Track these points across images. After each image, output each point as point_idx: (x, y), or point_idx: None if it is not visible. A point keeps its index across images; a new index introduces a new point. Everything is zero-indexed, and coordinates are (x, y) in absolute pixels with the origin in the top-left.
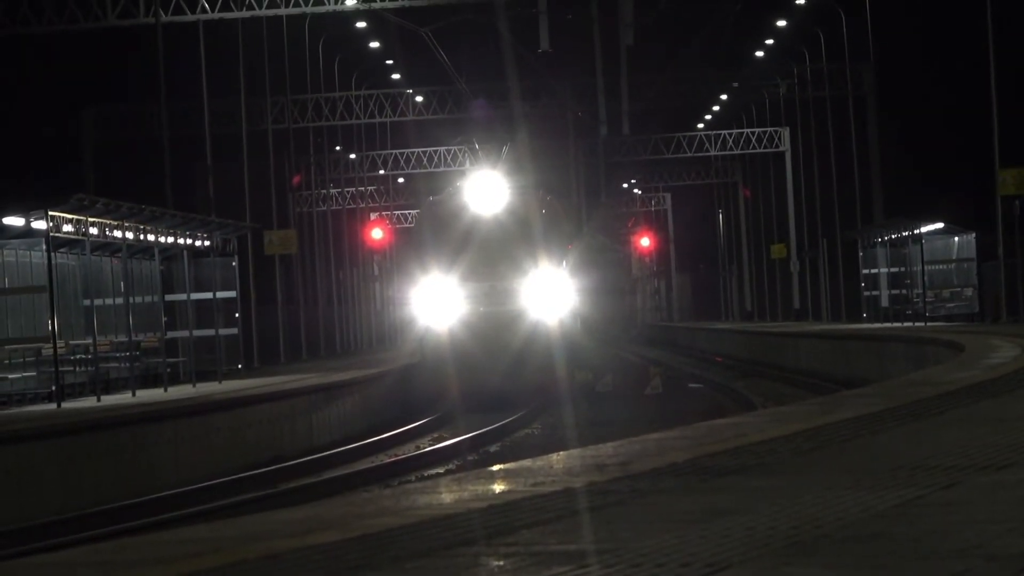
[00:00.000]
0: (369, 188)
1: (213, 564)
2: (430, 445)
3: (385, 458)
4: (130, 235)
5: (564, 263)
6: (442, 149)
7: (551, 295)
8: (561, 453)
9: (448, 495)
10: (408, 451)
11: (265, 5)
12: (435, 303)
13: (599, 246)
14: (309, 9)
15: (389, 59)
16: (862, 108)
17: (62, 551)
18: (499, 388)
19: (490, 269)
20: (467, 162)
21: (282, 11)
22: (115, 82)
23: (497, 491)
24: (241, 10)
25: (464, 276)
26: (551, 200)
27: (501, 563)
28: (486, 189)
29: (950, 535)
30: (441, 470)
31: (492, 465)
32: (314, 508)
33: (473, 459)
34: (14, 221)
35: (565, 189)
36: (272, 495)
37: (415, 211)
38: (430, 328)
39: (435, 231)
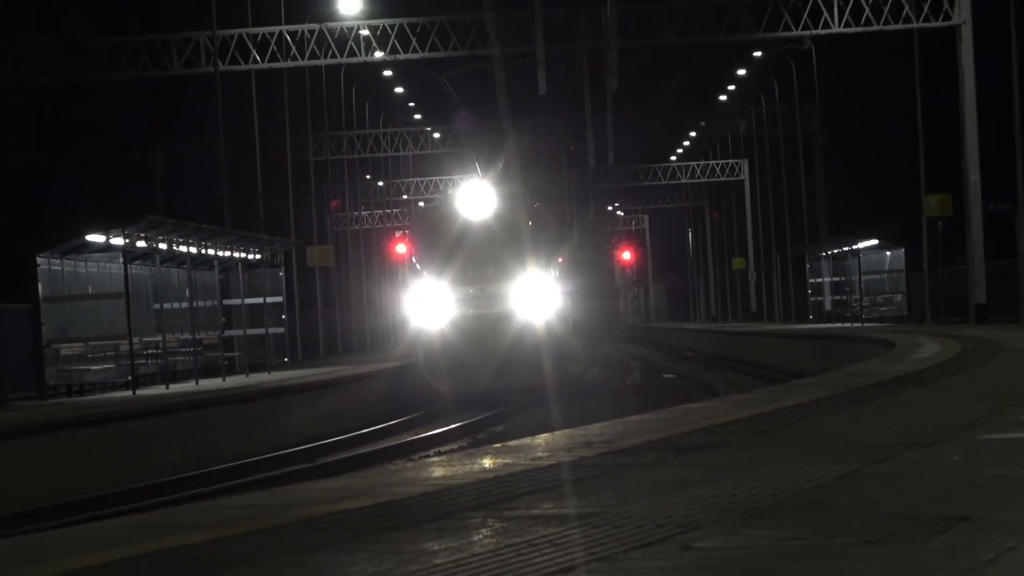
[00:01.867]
0: (395, 210)
1: (262, 526)
2: (444, 426)
3: (407, 436)
4: (193, 249)
5: (551, 267)
6: (456, 177)
7: (538, 298)
8: (556, 432)
9: (460, 467)
10: (426, 431)
11: (307, 56)
12: (427, 306)
13: (588, 259)
14: (344, 60)
15: (411, 102)
16: (809, 143)
17: (134, 515)
18: (489, 387)
19: (479, 273)
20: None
21: (321, 62)
22: (180, 120)
23: (501, 464)
24: (287, 60)
25: (454, 280)
26: (539, 207)
27: (505, 524)
28: (476, 196)
29: (883, 502)
30: (455, 446)
31: (497, 443)
32: (347, 479)
33: (482, 437)
34: (96, 238)
35: (558, 204)
36: (312, 468)
37: None
38: (422, 330)
39: (427, 237)
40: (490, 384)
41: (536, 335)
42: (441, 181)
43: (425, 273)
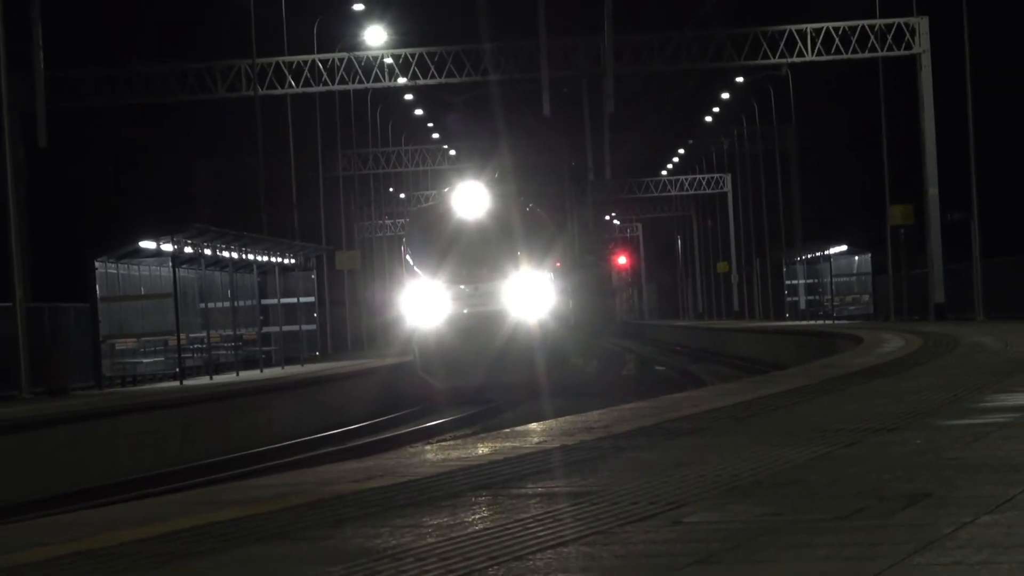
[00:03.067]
0: None
1: (297, 503)
2: (457, 414)
3: (425, 422)
4: (235, 255)
5: (545, 266)
6: (453, 179)
7: (531, 295)
8: (559, 419)
9: (473, 450)
10: (441, 418)
11: (337, 82)
12: (422, 304)
13: (587, 262)
14: (370, 85)
15: (430, 122)
16: (786, 159)
17: (181, 493)
18: (483, 384)
19: (473, 272)
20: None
21: (349, 87)
22: (222, 138)
23: (511, 447)
24: (319, 86)
25: (449, 278)
26: (533, 207)
27: (513, 502)
28: (470, 197)
29: (852, 481)
30: (469, 431)
31: (506, 428)
32: (373, 460)
33: (496, 422)
34: (148, 244)
35: (557, 207)
36: (342, 450)
37: None
38: (417, 328)
39: (422, 236)
40: (484, 381)
41: (529, 332)
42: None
43: (420, 272)
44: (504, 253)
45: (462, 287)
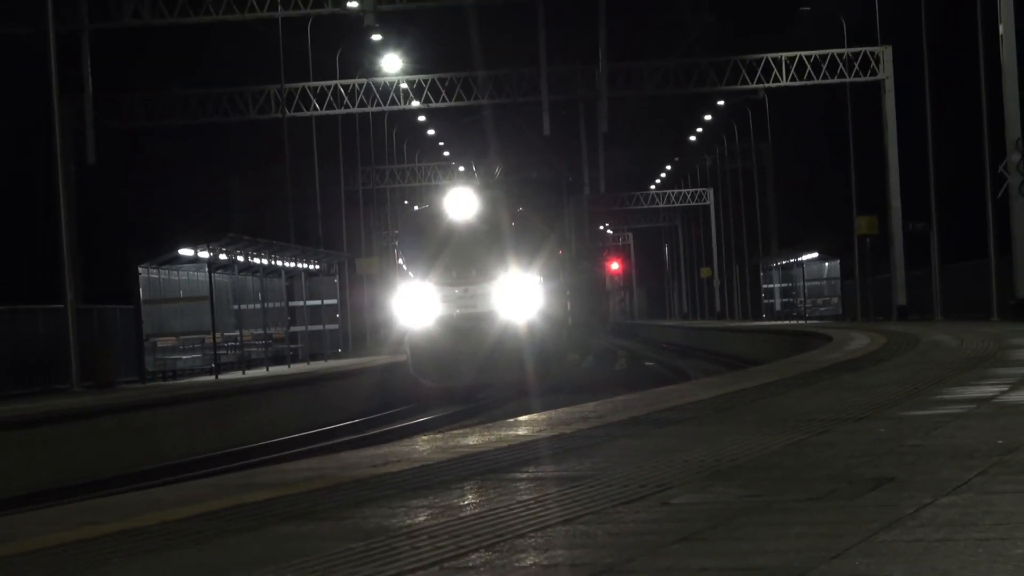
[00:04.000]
0: None
1: (321, 486)
2: (464, 405)
3: (438, 413)
4: (265, 261)
5: (534, 268)
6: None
7: (520, 297)
8: (558, 410)
9: (481, 438)
10: (445, 410)
11: (357, 105)
12: (414, 305)
13: (584, 268)
14: (386, 108)
15: (440, 141)
16: (763, 175)
17: (215, 477)
18: (473, 383)
19: (464, 274)
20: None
21: (368, 109)
22: (254, 155)
23: (515, 435)
24: (340, 108)
25: (440, 280)
26: (522, 211)
27: (517, 484)
28: (461, 201)
29: (824, 465)
30: (475, 421)
31: (509, 418)
32: (389, 447)
33: (500, 412)
34: (187, 252)
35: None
36: (361, 438)
37: None
38: (409, 328)
39: (414, 239)
40: (475, 380)
41: (518, 333)
42: None
43: (412, 274)
44: (494, 256)
45: (453, 289)
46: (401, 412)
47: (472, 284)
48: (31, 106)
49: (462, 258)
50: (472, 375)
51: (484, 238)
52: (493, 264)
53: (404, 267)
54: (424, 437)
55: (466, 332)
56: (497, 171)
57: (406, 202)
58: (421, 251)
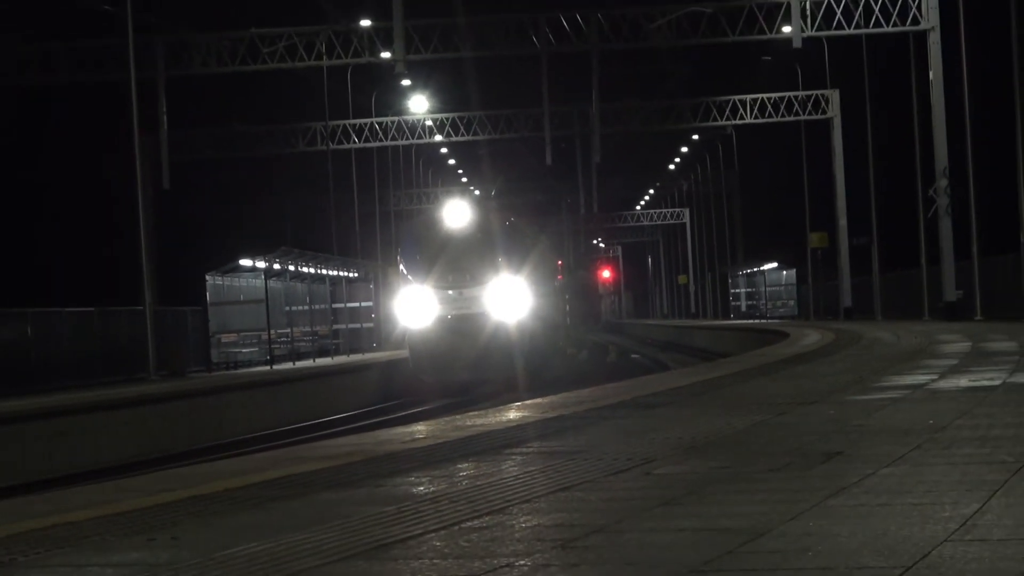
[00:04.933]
0: None
1: (358, 459)
2: (464, 396)
3: (459, 399)
4: (312, 269)
5: (523, 273)
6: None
7: (510, 299)
8: (558, 395)
9: (492, 419)
10: (457, 398)
11: (389, 139)
12: (413, 307)
13: (579, 276)
14: (414, 141)
15: (459, 168)
16: (731, 197)
17: (269, 451)
18: (468, 379)
19: (458, 278)
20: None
21: (399, 143)
22: (303, 181)
23: (520, 417)
24: (375, 142)
25: (436, 284)
26: (513, 221)
27: (524, 457)
28: (456, 212)
29: (782, 441)
30: (487, 405)
31: (514, 402)
32: (416, 426)
33: (505, 397)
34: (246, 262)
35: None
36: (394, 418)
37: None
38: (408, 328)
39: (412, 246)
40: (468, 376)
41: (508, 332)
42: None
43: (411, 278)
44: (486, 261)
45: (448, 292)
46: (424, 397)
47: (466, 287)
48: (114, 139)
49: (457, 263)
50: (466, 371)
51: (477, 245)
52: (485, 269)
53: (404, 272)
54: (446, 418)
55: (460, 331)
56: (493, 191)
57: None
58: (420, 257)
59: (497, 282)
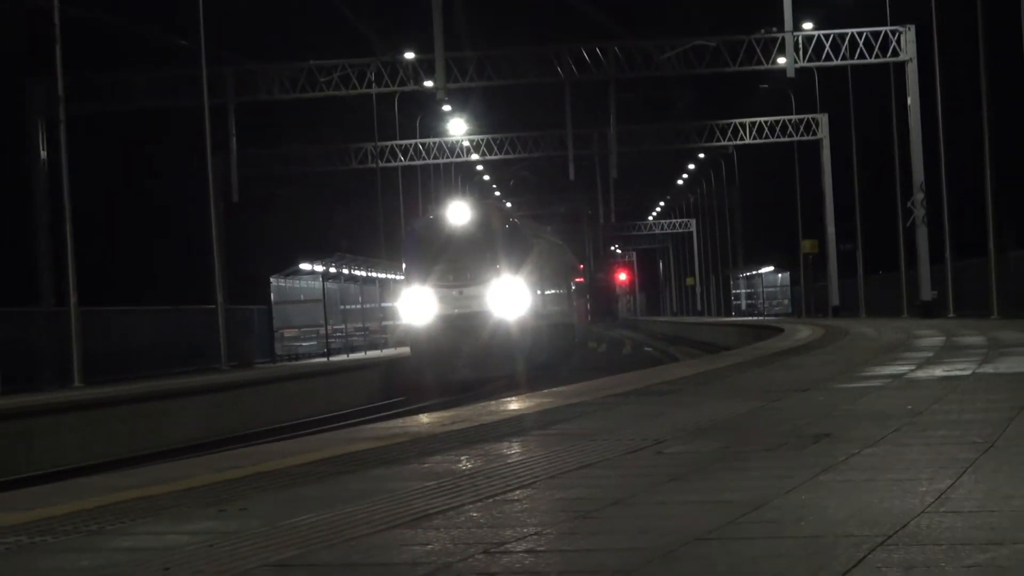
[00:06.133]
0: None
1: (405, 440)
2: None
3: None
4: (363, 272)
5: (521, 272)
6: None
7: (509, 298)
8: (577, 384)
9: (521, 404)
10: (498, 386)
11: (432, 157)
12: (416, 305)
13: (599, 278)
14: (453, 160)
15: (494, 184)
16: (732, 209)
17: (327, 432)
18: (468, 375)
19: (459, 277)
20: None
21: (439, 161)
22: (355, 194)
23: (548, 402)
24: (420, 160)
25: (438, 283)
26: (513, 222)
27: (549, 438)
28: (458, 214)
29: (778, 424)
30: (523, 392)
31: (540, 390)
32: (452, 411)
33: (533, 386)
34: (305, 266)
35: (580, 242)
36: (431, 404)
37: None
38: (411, 326)
39: (417, 247)
40: (469, 373)
41: (509, 330)
42: None
43: (415, 277)
44: (486, 261)
45: (450, 291)
46: (467, 384)
47: (467, 286)
48: (190, 158)
49: (458, 263)
50: (468, 368)
51: (477, 245)
52: (486, 268)
53: (408, 272)
54: (482, 403)
55: (462, 329)
56: (512, 182)
57: None
58: (423, 257)
59: (498, 281)
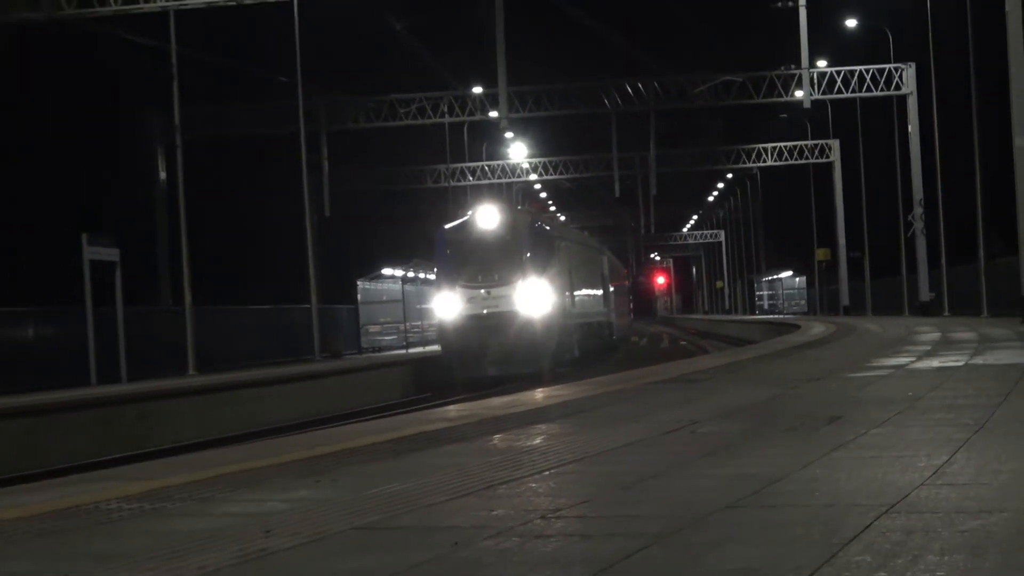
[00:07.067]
0: None
1: (472, 420)
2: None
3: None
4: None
5: (547, 274)
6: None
7: (536, 298)
8: (619, 373)
9: (573, 390)
10: (526, 376)
11: (496, 177)
12: (448, 304)
13: (640, 282)
14: (515, 180)
15: (550, 200)
16: (756, 222)
17: (404, 415)
18: (496, 372)
19: (488, 279)
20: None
21: (503, 181)
22: (431, 210)
23: (584, 390)
24: (485, 180)
25: (468, 284)
26: (540, 225)
27: (598, 420)
28: (486, 218)
29: (794, 408)
30: (556, 381)
31: (573, 380)
32: (515, 396)
33: (580, 375)
34: (388, 271)
35: (624, 251)
36: (467, 396)
37: None
38: (443, 323)
39: (448, 250)
40: (497, 370)
41: (535, 328)
42: None
43: (444, 279)
44: (513, 263)
45: (478, 291)
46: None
47: (495, 287)
48: (289, 179)
49: (487, 265)
50: (495, 365)
51: (505, 248)
52: (513, 270)
53: (439, 273)
54: (534, 389)
55: (490, 327)
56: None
57: None
58: (453, 260)
59: (524, 282)
